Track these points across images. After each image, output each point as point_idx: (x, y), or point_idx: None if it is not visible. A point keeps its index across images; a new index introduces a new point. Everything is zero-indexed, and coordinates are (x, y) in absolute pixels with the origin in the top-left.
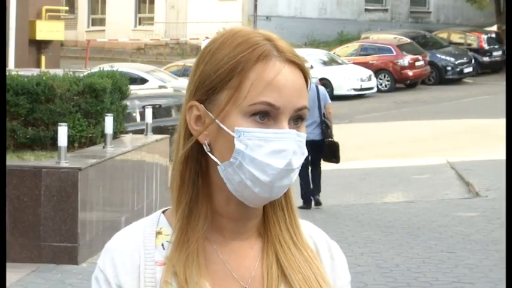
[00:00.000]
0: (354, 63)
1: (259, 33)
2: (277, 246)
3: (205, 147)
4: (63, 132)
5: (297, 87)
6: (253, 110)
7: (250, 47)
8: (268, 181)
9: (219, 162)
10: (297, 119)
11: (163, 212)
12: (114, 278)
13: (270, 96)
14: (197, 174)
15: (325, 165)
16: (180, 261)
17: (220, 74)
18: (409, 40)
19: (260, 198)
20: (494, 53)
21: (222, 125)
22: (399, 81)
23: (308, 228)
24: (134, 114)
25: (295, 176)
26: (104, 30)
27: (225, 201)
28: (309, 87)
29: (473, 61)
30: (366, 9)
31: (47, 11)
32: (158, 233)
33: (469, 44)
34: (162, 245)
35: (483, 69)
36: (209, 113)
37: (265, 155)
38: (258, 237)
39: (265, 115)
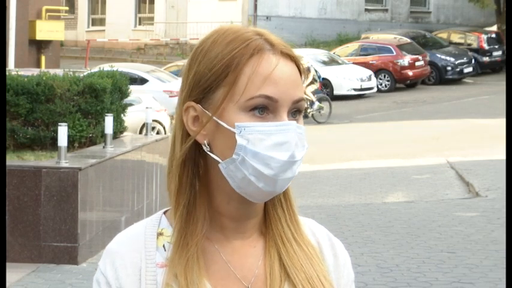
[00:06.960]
0: (354, 63)
1: (249, 29)
2: (279, 244)
3: (204, 148)
4: (63, 132)
5: (292, 79)
6: (251, 104)
7: (243, 43)
8: (273, 174)
9: (220, 161)
10: (294, 112)
11: (164, 212)
12: (115, 281)
13: (268, 90)
14: (195, 176)
15: (325, 165)
16: (181, 265)
17: (215, 72)
18: (409, 40)
19: (264, 193)
20: (494, 53)
21: (221, 122)
22: (399, 81)
23: (311, 226)
24: None
25: (297, 169)
26: (104, 30)
27: (226, 200)
28: (303, 79)
29: (473, 61)
30: (366, 9)
31: (47, 11)
32: (159, 234)
33: (469, 44)
34: (164, 246)
35: (483, 69)
36: (206, 112)
37: (267, 148)
38: (259, 236)
39: (264, 109)
